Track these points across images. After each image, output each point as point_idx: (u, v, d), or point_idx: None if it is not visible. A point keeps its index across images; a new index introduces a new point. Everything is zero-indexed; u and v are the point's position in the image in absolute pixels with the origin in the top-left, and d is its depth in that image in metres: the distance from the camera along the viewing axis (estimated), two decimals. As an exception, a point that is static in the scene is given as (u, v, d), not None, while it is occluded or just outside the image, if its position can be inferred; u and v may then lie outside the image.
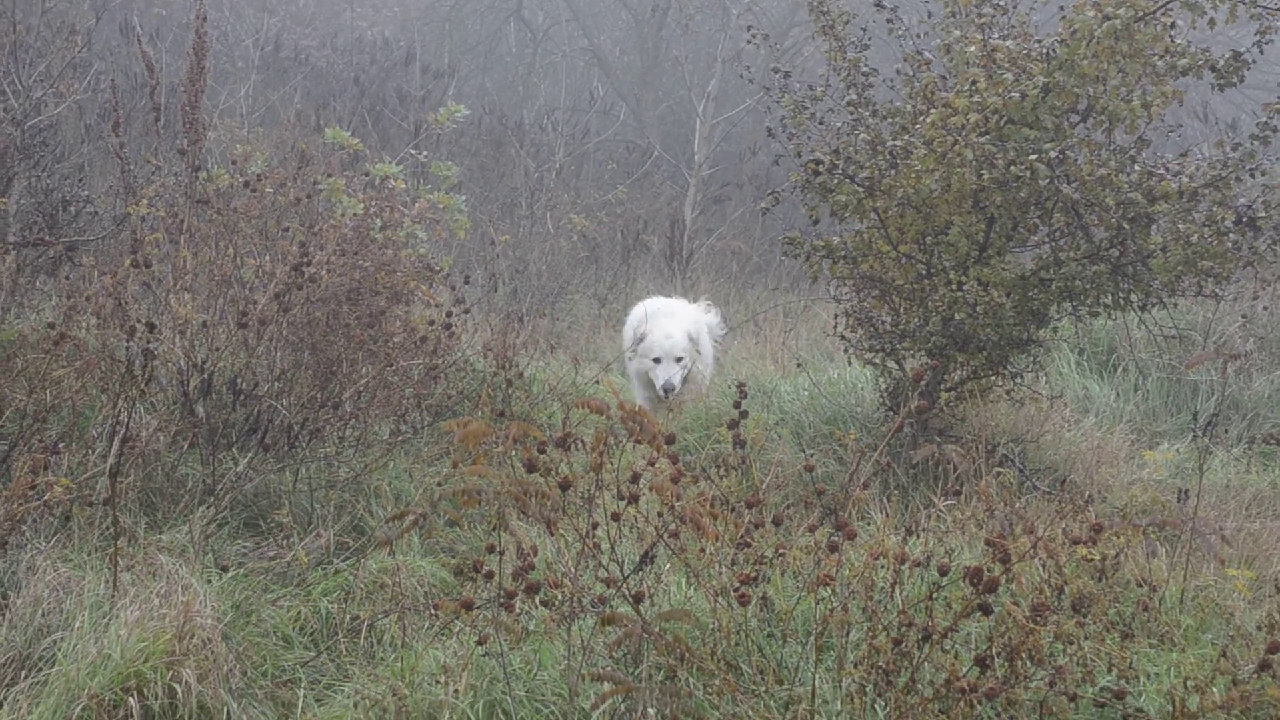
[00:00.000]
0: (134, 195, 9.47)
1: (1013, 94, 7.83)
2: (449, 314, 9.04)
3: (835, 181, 8.46)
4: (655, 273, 17.04)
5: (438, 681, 5.25)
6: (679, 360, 9.98)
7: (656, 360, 9.99)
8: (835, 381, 10.14)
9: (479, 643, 5.23)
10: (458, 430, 5.01)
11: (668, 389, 9.84)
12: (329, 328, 8.35)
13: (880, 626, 4.83)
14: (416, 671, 5.40)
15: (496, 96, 24.45)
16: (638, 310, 10.77)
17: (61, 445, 7.24)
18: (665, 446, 5.05)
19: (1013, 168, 7.79)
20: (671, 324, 10.15)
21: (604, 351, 12.99)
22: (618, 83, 25.08)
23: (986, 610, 4.58)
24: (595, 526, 5.15)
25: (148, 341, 7.08)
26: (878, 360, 8.93)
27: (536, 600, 5.28)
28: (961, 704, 4.56)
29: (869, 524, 6.93)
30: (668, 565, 6.11)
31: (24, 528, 6.48)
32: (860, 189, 8.40)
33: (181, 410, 7.94)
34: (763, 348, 12.40)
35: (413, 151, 14.08)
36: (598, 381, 9.91)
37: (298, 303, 8.25)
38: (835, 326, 9.28)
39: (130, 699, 5.10)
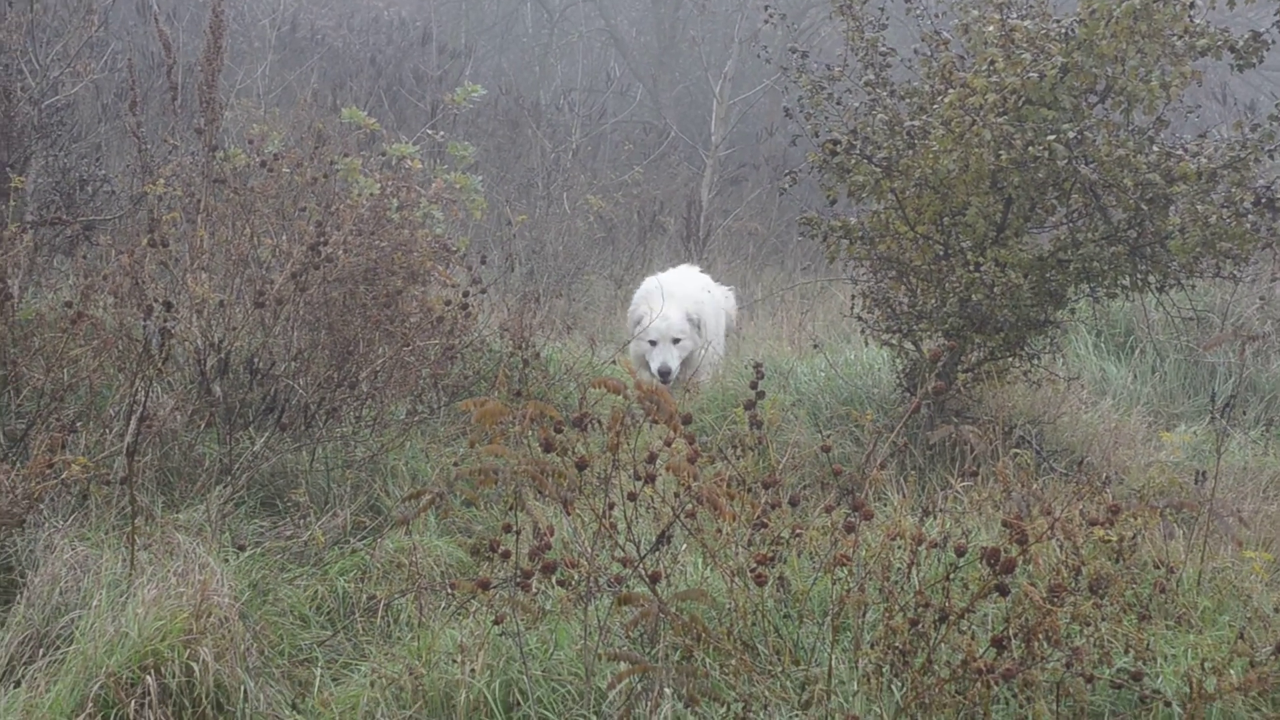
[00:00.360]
0: (151, 175, 9.48)
1: (1031, 74, 7.81)
2: (465, 294, 9.04)
3: (852, 162, 8.44)
4: (672, 253, 17.02)
5: (454, 661, 5.26)
6: (676, 342, 10.01)
7: (652, 343, 10.03)
8: (852, 363, 10.11)
9: (495, 622, 5.23)
10: (474, 410, 5.01)
11: (663, 372, 9.86)
12: (346, 308, 8.35)
13: (897, 607, 4.82)
14: (433, 651, 5.40)
15: (513, 77, 24.42)
16: (645, 285, 10.86)
17: (79, 424, 7.25)
18: (682, 427, 5.05)
19: (1030, 148, 7.77)
20: (669, 305, 10.14)
21: (620, 332, 12.98)
22: (634, 63, 25.06)
23: (1003, 591, 4.57)
24: (612, 507, 5.15)
25: (165, 320, 7.08)
26: (894, 341, 8.91)
27: (553, 580, 5.27)
28: (978, 685, 4.55)
29: (886, 505, 6.92)
30: (684, 545, 6.10)
31: (41, 506, 6.50)
32: (878, 169, 8.37)
33: (198, 390, 7.95)
34: (779, 329, 12.39)
35: (429, 132, 14.07)
36: (614, 362, 9.91)
37: (314, 282, 8.25)
38: (852, 307, 9.26)
39: (147, 677, 5.11)
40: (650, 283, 10.75)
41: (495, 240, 15.59)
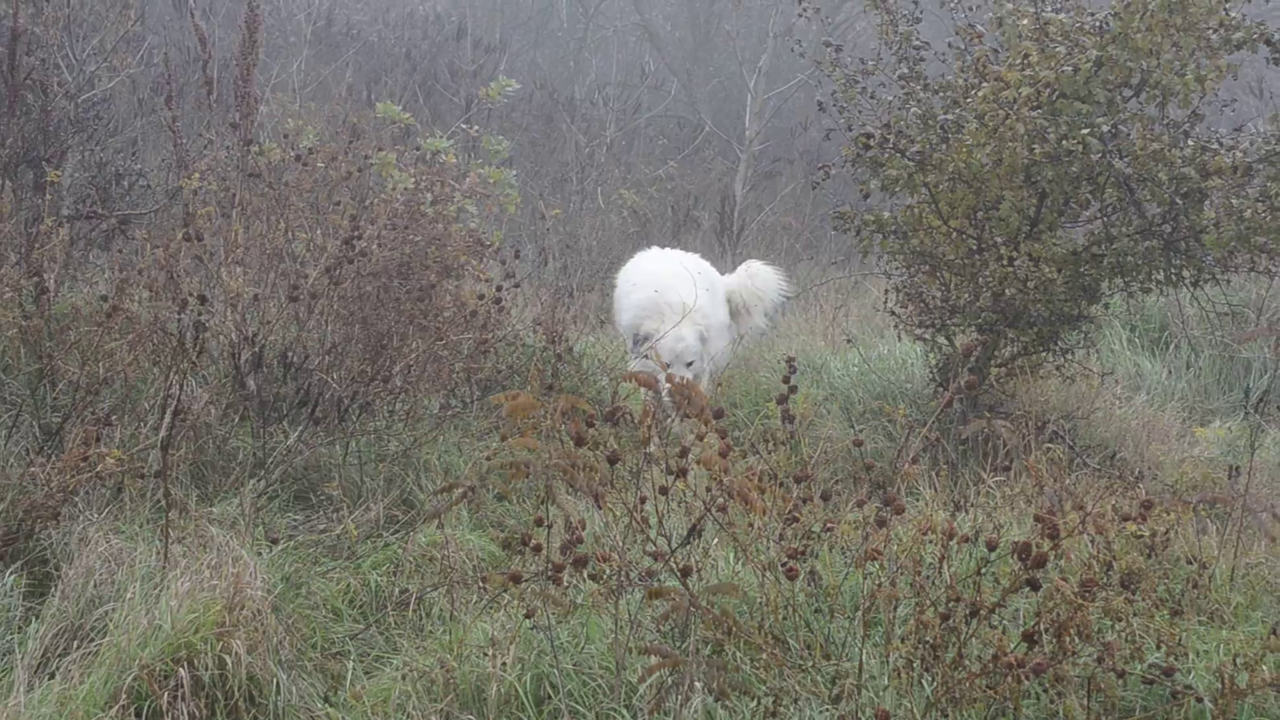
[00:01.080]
0: (186, 169, 9.51)
1: (1065, 68, 7.79)
2: (499, 288, 9.05)
3: (886, 156, 8.43)
4: (705, 248, 17.00)
5: (485, 654, 5.27)
6: (689, 365, 9.38)
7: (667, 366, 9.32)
8: (885, 357, 10.11)
9: (527, 616, 5.24)
10: (507, 404, 5.03)
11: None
12: (379, 302, 8.37)
13: (928, 602, 4.82)
14: (464, 644, 5.42)
15: (547, 71, 24.43)
16: (635, 271, 10.45)
17: (114, 418, 7.28)
18: (714, 421, 5.06)
19: (1065, 142, 7.76)
20: (684, 325, 9.45)
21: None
22: (669, 58, 25.03)
23: (1035, 586, 4.56)
24: (643, 501, 5.16)
25: (199, 314, 7.12)
26: (928, 336, 8.91)
27: (584, 574, 5.29)
28: (1009, 679, 4.55)
29: (917, 499, 6.91)
30: (715, 540, 6.11)
31: (76, 499, 6.53)
32: (911, 163, 8.36)
33: (232, 383, 7.98)
34: (813, 323, 12.38)
35: (464, 126, 14.10)
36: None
37: (348, 277, 8.28)
38: (885, 302, 9.26)
39: (181, 669, 5.13)
40: (642, 278, 10.23)
41: (529, 235, 15.61)
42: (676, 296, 9.62)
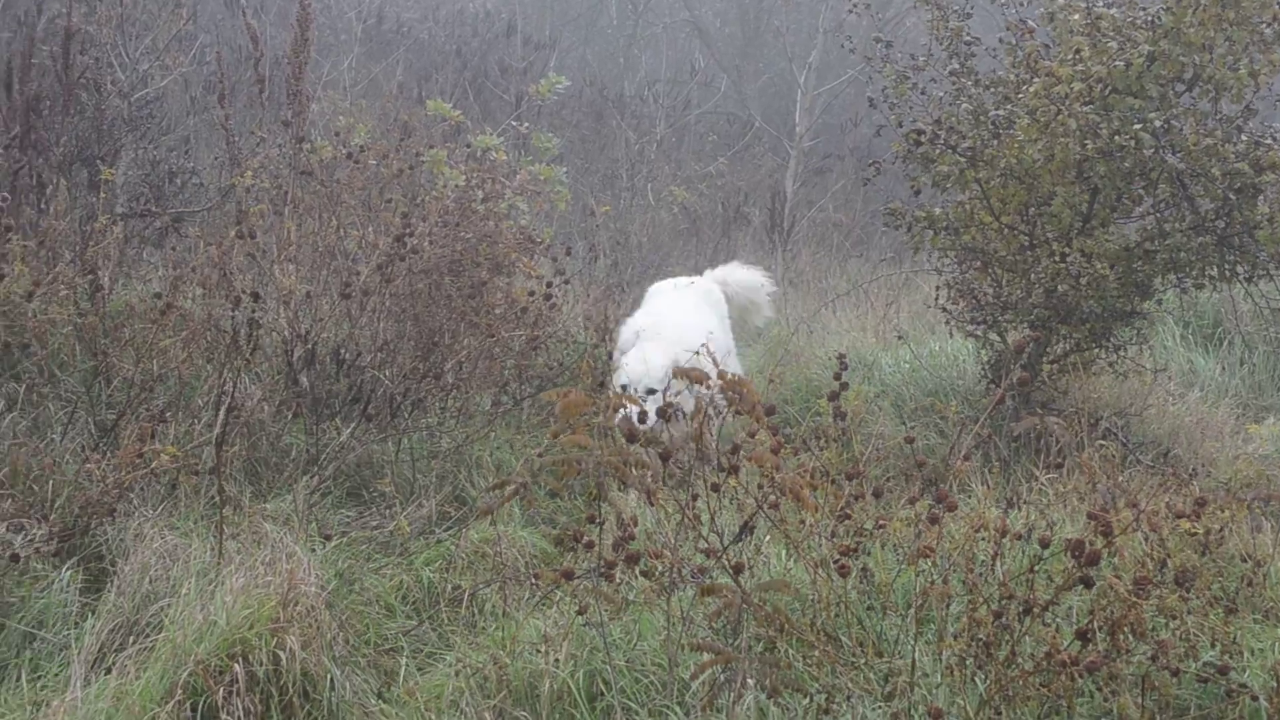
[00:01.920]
0: (239, 167, 9.56)
1: (1117, 63, 7.76)
2: (550, 285, 9.06)
3: (937, 152, 8.43)
4: (756, 244, 16.99)
5: (538, 651, 5.29)
6: (651, 393, 8.04)
7: (623, 387, 8.18)
8: (936, 354, 10.08)
9: (579, 612, 5.26)
10: (559, 401, 5.04)
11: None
12: (431, 299, 8.41)
13: (981, 599, 4.81)
14: (517, 641, 5.44)
15: (597, 69, 24.44)
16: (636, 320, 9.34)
17: (168, 414, 7.33)
18: (765, 418, 5.05)
19: (1117, 137, 7.73)
20: (653, 347, 8.47)
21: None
22: (718, 54, 25.01)
23: (1088, 583, 4.55)
24: (695, 498, 5.16)
25: (253, 311, 7.16)
26: (979, 332, 8.89)
27: (636, 571, 5.30)
28: (1063, 677, 4.54)
29: (969, 497, 6.89)
30: (767, 537, 6.11)
31: (131, 496, 6.57)
32: (962, 159, 8.35)
33: (285, 380, 8.02)
34: (863, 319, 12.34)
35: (514, 123, 14.11)
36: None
37: (400, 274, 8.32)
38: (936, 298, 9.24)
39: (236, 665, 5.16)
40: (650, 308, 9.49)
41: (579, 231, 15.62)
42: (668, 323, 8.87)
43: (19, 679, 5.43)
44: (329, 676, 5.41)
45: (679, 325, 8.72)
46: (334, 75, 17.39)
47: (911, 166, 8.66)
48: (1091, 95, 7.81)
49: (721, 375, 5.00)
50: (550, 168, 12.18)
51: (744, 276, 10.51)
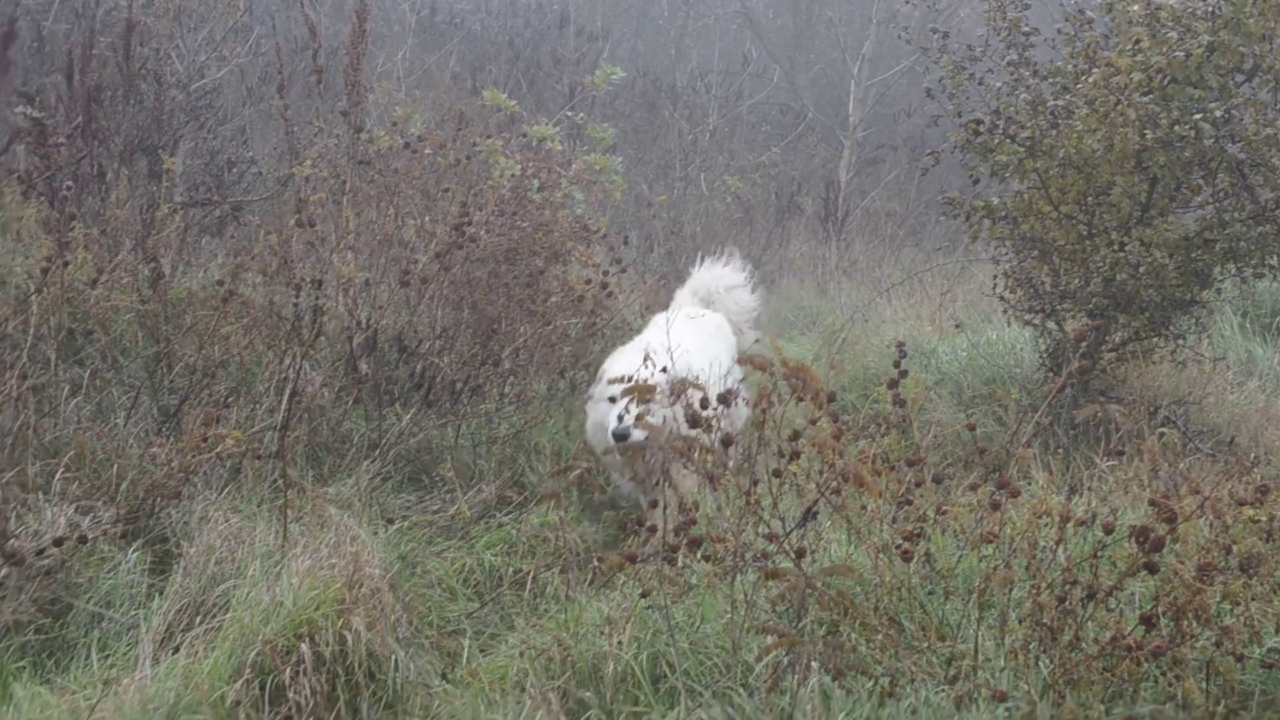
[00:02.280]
0: (297, 156, 9.62)
1: (1177, 53, 7.75)
2: (606, 274, 9.09)
3: (996, 141, 8.43)
4: (809, 234, 17.02)
5: (602, 633, 5.31)
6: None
7: (612, 400, 7.10)
8: (993, 342, 10.07)
9: (642, 595, 5.28)
10: (623, 387, 5.07)
11: (620, 436, 7.06)
12: (488, 287, 8.45)
13: (1045, 584, 4.81)
14: (580, 623, 5.47)
15: (648, 59, 24.48)
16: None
17: (230, 400, 7.38)
18: (827, 404, 5.07)
19: (1176, 127, 7.71)
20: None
21: (760, 314, 12.99)
22: (770, 45, 25.00)
23: (1153, 569, 4.55)
24: (755, 483, 5.18)
25: (316, 298, 7.21)
26: (1037, 321, 8.89)
27: (699, 555, 5.31)
28: (1127, 661, 4.54)
29: (1030, 484, 6.89)
30: (828, 523, 6.11)
31: (195, 479, 6.63)
32: (1021, 149, 8.35)
33: (345, 367, 8.07)
34: (919, 308, 12.34)
35: (569, 113, 14.15)
36: (757, 340, 9.88)
37: (458, 262, 8.36)
38: (994, 287, 9.24)
39: (302, 645, 5.20)
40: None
41: (633, 221, 15.65)
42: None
43: (87, 657, 5.50)
44: (393, 657, 5.45)
45: (684, 347, 7.54)
46: (388, 66, 17.47)
47: (970, 156, 8.67)
48: (1151, 85, 7.80)
49: (785, 362, 5.02)
50: (605, 157, 12.21)
51: (715, 278, 9.51)
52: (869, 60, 19.06)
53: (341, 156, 9.26)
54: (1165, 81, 7.81)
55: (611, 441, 7.12)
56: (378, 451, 7.54)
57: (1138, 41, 7.89)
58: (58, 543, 5.73)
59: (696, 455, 5.06)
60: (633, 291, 11.00)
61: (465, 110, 12.40)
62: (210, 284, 8.36)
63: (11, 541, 5.69)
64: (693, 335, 8.08)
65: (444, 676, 5.61)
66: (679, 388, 5.13)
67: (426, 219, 9.00)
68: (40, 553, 5.71)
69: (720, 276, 9.50)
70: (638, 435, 6.69)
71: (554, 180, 10.47)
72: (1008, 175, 8.49)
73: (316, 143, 9.92)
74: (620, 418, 6.97)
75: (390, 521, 6.70)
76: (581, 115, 13.80)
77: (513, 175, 10.12)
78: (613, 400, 6.97)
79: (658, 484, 5.53)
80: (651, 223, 15.38)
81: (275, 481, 6.83)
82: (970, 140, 8.52)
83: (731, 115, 20.62)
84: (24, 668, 5.42)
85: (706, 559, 5.35)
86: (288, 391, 6.81)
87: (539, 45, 22.07)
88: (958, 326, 10.43)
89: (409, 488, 7.50)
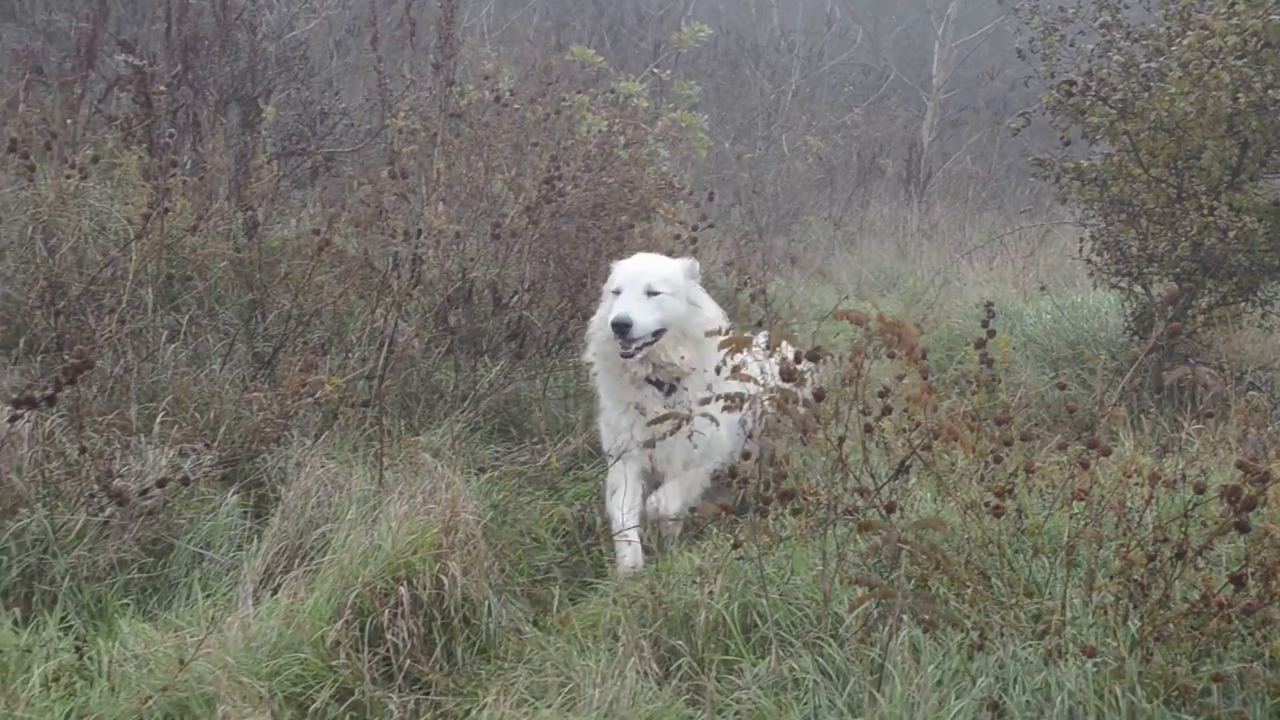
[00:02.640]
0: (390, 108, 9.71)
1: (1272, 16, 7.72)
2: (695, 229, 9.15)
3: (1088, 103, 8.42)
4: (890, 196, 17.01)
5: (693, 583, 5.37)
6: (652, 295, 6.61)
7: (617, 292, 6.69)
8: (1078, 306, 10.07)
9: (734, 546, 5.34)
10: (719, 339, 5.14)
11: (621, 325, 6.46)
12: (575, 242, 8.52)
13: (1134, 542, 4.85)
14: (672, 573, 5.53)
15: (730, 18, 24.45)
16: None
17: (324, 348, 7.49)
18: (920, 360, 5.11)
19: (1270, 91, 7.69)
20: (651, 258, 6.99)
21: (840, 274, 13.04)
22: (854, 6, 24.94)
23: (1243, 528, 4.58)
24: (843, 439, 5.22)
25: (416, 247, 7.30)
26: (1124, 284, 8.89)
27: (789, 508, 5.37)
28: (1216, 619, 4.58)
29: (1117, 445, 6.91)
30: (913, 480, 6.16)
31: (290, 426, 6.74)
32: (1112, 111, 8.34)
33: (435, 318, 8.16)
34: (1002, 271, 12.34)
35: (655, 70, 14.19)
36: (846, 297, 9.92)
37: (546, 216, 8.43)
38: (1080, 250, 9.25)
39: (400, 588, 5.29)
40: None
41: (715, 179, 15.68)
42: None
43: (189, 596, 5.61)
44: (486, 603, 5.53)
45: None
46: (473, 21, 17.54)
47: (1061, 118, 8.67)
48: (1245, 49, 7.77)
49: (880, 317, 5.07)
50: (690, 114, 12.25)
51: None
52: (953, 22, 18.98)
53: (433, 109, 9.34)
54: (1260, 45, 7.79)
55: (610, 332, 6.50)
56: (468, 402, 7.63)
57: (1233, 4, 7.87)
58: (161, 484, 5.85)
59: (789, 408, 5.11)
60: (717, 249, 11.05)
61: (552, 65, 12.47)
62: (303, 233, 8.46)
63: (116, 481, 5.82)
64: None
65: (535, 623, 5.69)
66: (775, 338, 5.18)
67: (513, 173, 9.08)
68: (144, 493, 5.83)
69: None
70: (642, 321, 6.43)
71: (640, 136, 10.53)
72: (1099, 137, 8.49)
73: (408, 95, 10.02)
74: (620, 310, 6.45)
75: (482, 470, 6.78)
76: (667, 72, 13.85)
77: (599, 131, 10.18)
78: (617, 294, 6.62)
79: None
80: (733, 181, 15.40)
81: (368, 430, 6.93)
82: (1062, 102, 8.52)
83: (813, 75, 20.62)
84: (128, 604, 5.55)
85: (795, 513, 5.41)
86: (386, 341, 6.90)
87: (622, 2, 22.09)
88: (1043, 289, 10.43)
89: (498, 438, 7.59)
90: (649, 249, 8.87)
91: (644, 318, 6.48)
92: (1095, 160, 8.76)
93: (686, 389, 6.59)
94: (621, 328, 6.43)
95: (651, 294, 6.57)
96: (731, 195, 15.05)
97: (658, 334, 6.56)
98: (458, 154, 9.04)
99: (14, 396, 5.75)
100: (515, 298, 8.27)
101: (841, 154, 18.26)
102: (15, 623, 5.27)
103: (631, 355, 6.52)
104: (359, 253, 7.99)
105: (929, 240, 15.05)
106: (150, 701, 4.77)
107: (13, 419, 5.84)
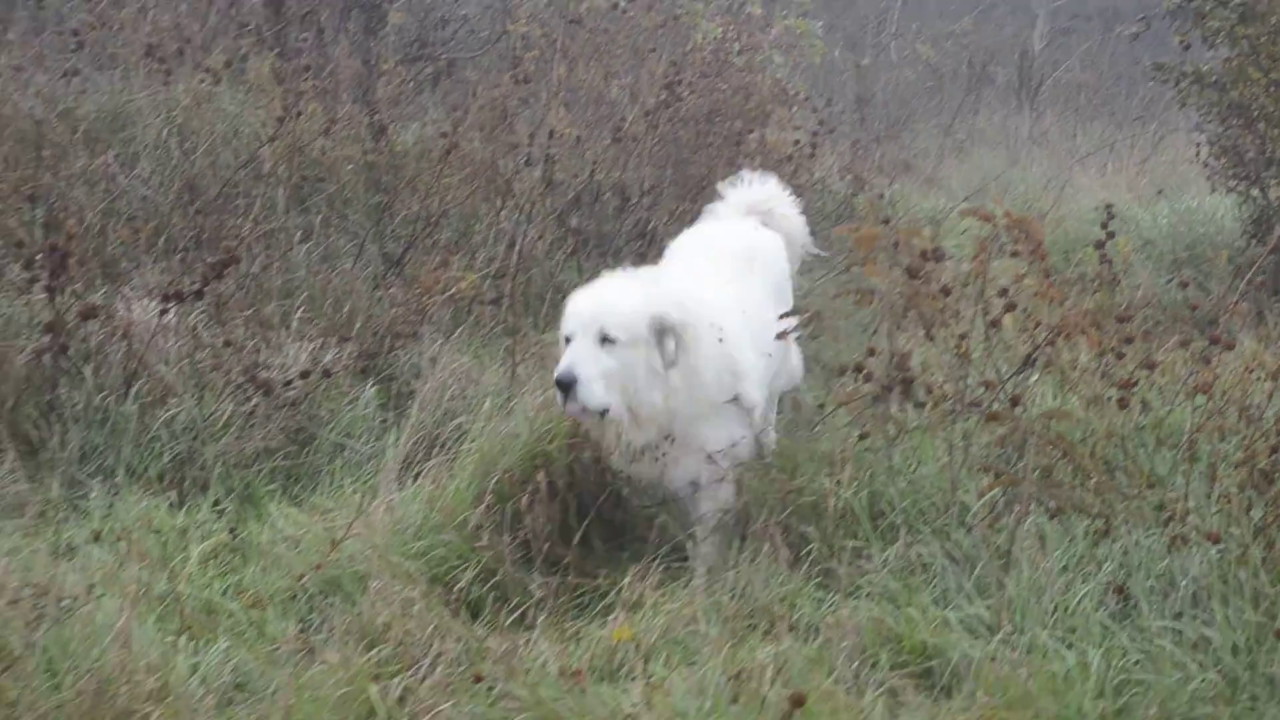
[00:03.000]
0: (510, 14, 9.82)
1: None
2: (815, 134, 9.22)
3: (1208, 8, 8.41)
4: (1000, 104, 16.95)
5: (824, 473, 5.47)
6: (606, 343, 5.27)
7: (567, 340, 5.35)
8: (1194, 210, 10.08)
9: (861, 436, 5.45)
10: (852, 235, 5.24)
11: (564, 382, 5.15)
12: (693, 146, 8.62)
13: (1258, 433, 4.94)
14: (801, 463, 5.65)
15: (838, -75, 24.32)
16: None
17: (451, 248, 7.66)
18: (1044, 258, 5.21)
19: (1394, -7, 7.68)
20: (619, 282, 5.56)
21: (950, 181, 13.05)
22: (964, -87, 24.72)
23: (1365, 419, 4.66)
24: (963, 336, 5.31)
25: (549, 148, 7.44)
26: (1241, 188, 8.90)
27: (913, 399, 5.45)
28: (1337, 508, 4.66)
29: (1238, 342, 6.95)
30: (1034, 377, 6.23)
31: (424, 321, 6.92)
32: (1233, 15, 8.33)
33: (557, 220, 8.29)
34: (1114, 177, 12.33)
35: (766, -23, 14.20)
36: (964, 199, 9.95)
37: (664, 121, 8.53)
38: (1197, 154, 9.26)
39: (539, 474, 5.44)
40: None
41: (824, 89, 15.69)
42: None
43: (332, 483, 5.84)
44: (618, 489, 5.68)
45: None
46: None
47: (1181, 22, 8.67)
48: (1369, -50, 7.76)
49: (1008, 214, 5.15)
50: (804, 21, 12.28)
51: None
52: (1066, -71, 18.85)
53: (553, 15, 9.45)
54: (1383, -53, 7.77)
55: (556, 394, 5.25)
56: (592, 302, 7.75)
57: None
58: (303, 375, 6.08)
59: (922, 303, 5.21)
60: (830, 155, 11.10)
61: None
62: (427, 138, 8.60)
63: (261, 373, 6.04)
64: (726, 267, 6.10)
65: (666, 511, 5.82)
66: (904, 236, 5.25)
67: (630, 79, 9.19)
68: (288, 384, 6.06)
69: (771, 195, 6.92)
70: (591, 391, 5.18)
71: (754, 43, 10.59)
72: (1218, 42, 8.49)
73: (527, 2, 10.13)
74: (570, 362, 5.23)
75: (608, 369, 6.90)
76: (778, -21, 13.86)
77: (714, 38, 10.25)
78: (568, 341, 5.33)
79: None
80: (843, 90, 15.42)
81: (493, 327, 7.10)
82: (1182, 6, 8.52)
83: (924, -17, 20.52)
84: (274, 490, 5.78)
85: (918, 405, 5.49)
86: (518, 241, 7.04)
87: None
88: (1160, 193, 10.44)
89: (621, 340, 7.71)
90: (765, 155, 8.97)
91: (596, 373, 5.22)
92: (1214, 65, 8.76)
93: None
94: (564, 386, 5.18)
95: (608, 341, 5.29)
96: (842, 102, 15.05)
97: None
98: (577, 60, 9.15)
99: (163, 291, 5.99)
100: (639, 200, 8.37)
101: (951, 62, 18.19)
102: (170, 505, 5.53)
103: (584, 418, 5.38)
104: (485, 156, 8.12)
105: (1040, 148, 15.01)
106: (304, 579, 4.99)
107: (161, 313, 6.07)
